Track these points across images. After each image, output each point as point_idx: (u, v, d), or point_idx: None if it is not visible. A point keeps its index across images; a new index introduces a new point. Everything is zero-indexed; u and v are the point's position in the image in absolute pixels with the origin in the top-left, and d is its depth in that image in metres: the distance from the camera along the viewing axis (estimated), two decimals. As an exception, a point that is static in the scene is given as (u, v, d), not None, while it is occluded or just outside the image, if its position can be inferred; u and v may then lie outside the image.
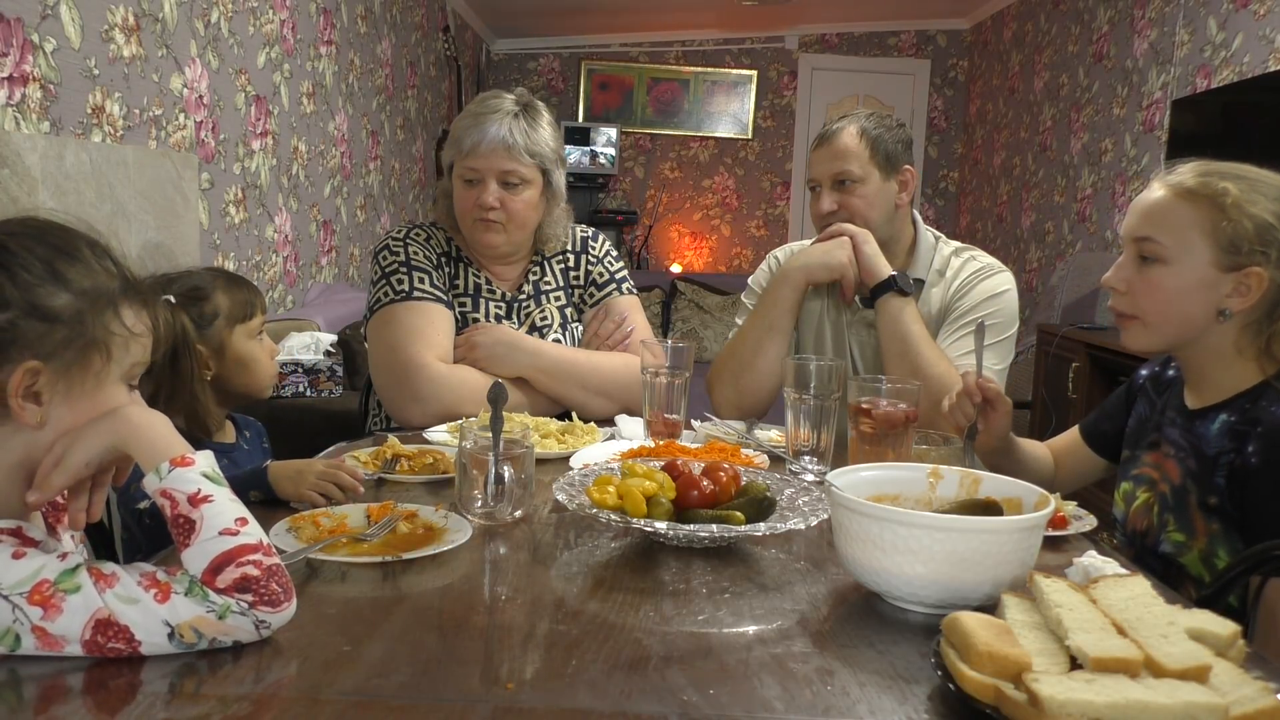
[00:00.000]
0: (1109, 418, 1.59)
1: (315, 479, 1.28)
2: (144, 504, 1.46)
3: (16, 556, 0.81)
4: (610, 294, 2.00)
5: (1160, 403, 1.48)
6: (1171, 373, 1.49)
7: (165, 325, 1.52)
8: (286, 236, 3.47)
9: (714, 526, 1.12)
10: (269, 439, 1.76)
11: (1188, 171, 1.33)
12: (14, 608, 0.80)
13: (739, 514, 1.15)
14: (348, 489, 1.29)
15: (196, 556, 0.85)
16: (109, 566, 0.84)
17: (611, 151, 6.65)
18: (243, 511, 0.89)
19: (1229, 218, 1.27)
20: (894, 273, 1.81)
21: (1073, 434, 1.65)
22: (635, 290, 2.05)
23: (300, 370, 2.89)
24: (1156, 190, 1.35)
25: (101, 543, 1.47)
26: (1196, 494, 1.31)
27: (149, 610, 0.82)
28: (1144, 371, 1.56)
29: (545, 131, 1.86)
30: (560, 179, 1.91)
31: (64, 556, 0.84)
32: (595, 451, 1.56)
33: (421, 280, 1.84)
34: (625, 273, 2.05)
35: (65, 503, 0.96)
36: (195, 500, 0.87)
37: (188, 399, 1.51)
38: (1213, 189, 1.28)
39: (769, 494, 1.21)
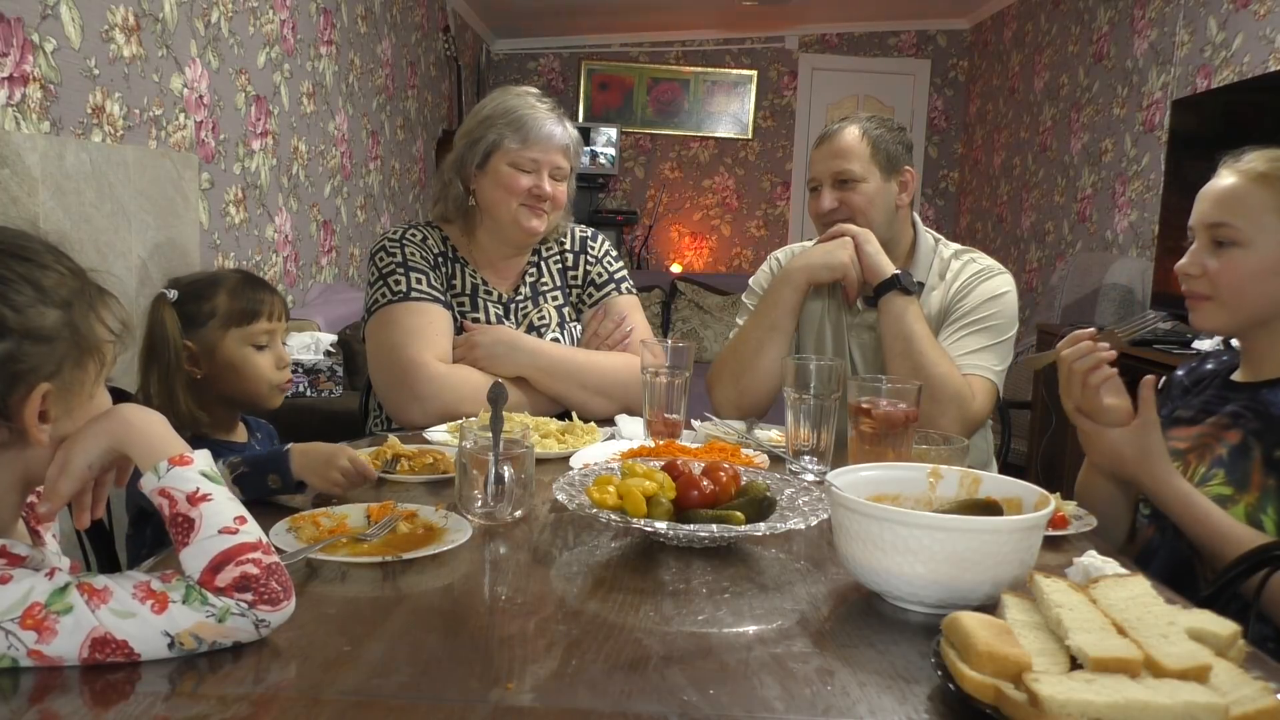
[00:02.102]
0: None
1: (341, 472, 1.28)
2: None
3: (4, 581, 0.80)
4: (609, 294, 2.01)
5: (1199, 390, 1.49)
6: (1210, 365, 1.52)
7: (152, 318, 1.54)
8: (286, 236, 3.47)
9: (714, 526, 1.12)
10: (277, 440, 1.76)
11: (1257, 158, 1.36)
12: (7, 634, 0.79)
13: (739, 514, 1.15)
14: (368, 480, 1.32)
15: (196, 555, 0.85)
16: (100, 580, 0.83)
17: (611, 151, 6.64)
18: (241, 510, 0.89)
19: None
20: (898, 271, 1.81)
21: None
22: (634, 290, 2.05)
23: (300, 370, 2.89)
24: (1227, 178, 1.38)
25: (102, 545, 1.47)
26: (1261, 450, 1.32)
27: (147, 622, 0.81)
28: (1180, 372, 1.58)
29: (575, 132, 1.98)
30: (574, 176, 2.01)
31: (52, 573, 0.83)
32: (595, 451, 1.56)
33: (419, 281, 1.84)
34: (624, 273, 2.06)
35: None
36: (194, 499, 0.87)
37: (163, 394, 1.52)
38: None
39: (769, 494, 1.21)
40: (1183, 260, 1.42)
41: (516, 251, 1.97)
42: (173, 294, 1.57)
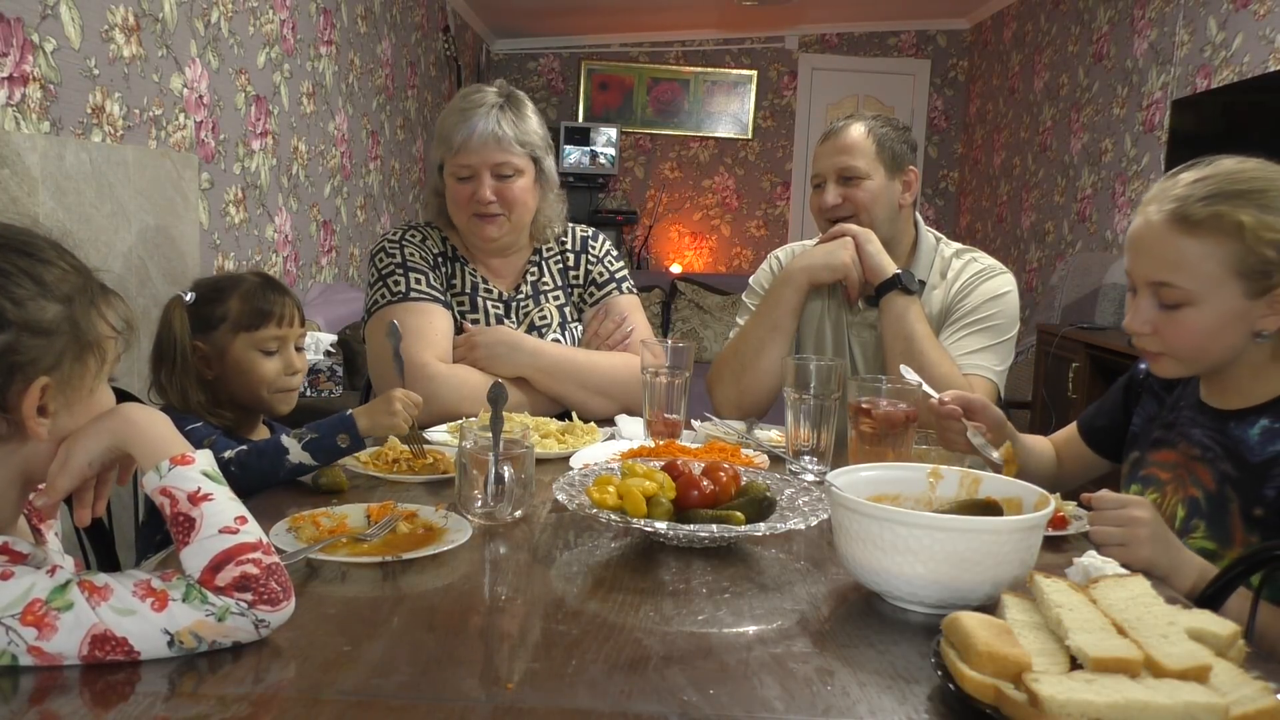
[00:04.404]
0: (1106, 414, 1.58)
1: (402, 408, 1.42)
2: None
3: (5, 577, 0.80)
4: (610, 293, 2.01)
5: (1170, 399, 1.45)
6: None
7: (164, 318, 1.57)
8: (286, 236, 3.47)
9: (714, 526, 1.12)
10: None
11: (1191, 198, 1.25)
12: (7, 630, 0.79)
13: (739, 514, 1.15)
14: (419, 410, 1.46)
15: (196, 554, 0.85)
16: (100, 578, 0.83)
17: (611, 151, 6.64)
18: (242, 510, 0.89)
19: (1250, 249, 1.21)
20: (899, 270, 1.81)
21: (1072, 429, 1.64)
22: (635, 290, 2.05)
23: (300, 370, 2.88)
24: (1160, 223, 1.27)
25: (101, 545, 1.48)
26: (1239, 503, 1.27)
27: (147, 619, 0.81)
28: (1143, 365, 1.52)
29: (531, 120, 1.88)
30: (551, 165, 1.94)
31: (53, 571, 0.83)
32: (595, 451, 1.56)
33: (418, 281, 1.85)
34: (625, 272, 2.06)
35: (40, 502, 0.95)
36: (195, 498, 0.87)
37: (175, 392, 1.54)
38: (1227, 221, 1.22)
39: (769, 494, 1.21)
40: (1128, 319, 1.33)
41: (501, 253, 1.95)
42: (189, 296, 1.58)
